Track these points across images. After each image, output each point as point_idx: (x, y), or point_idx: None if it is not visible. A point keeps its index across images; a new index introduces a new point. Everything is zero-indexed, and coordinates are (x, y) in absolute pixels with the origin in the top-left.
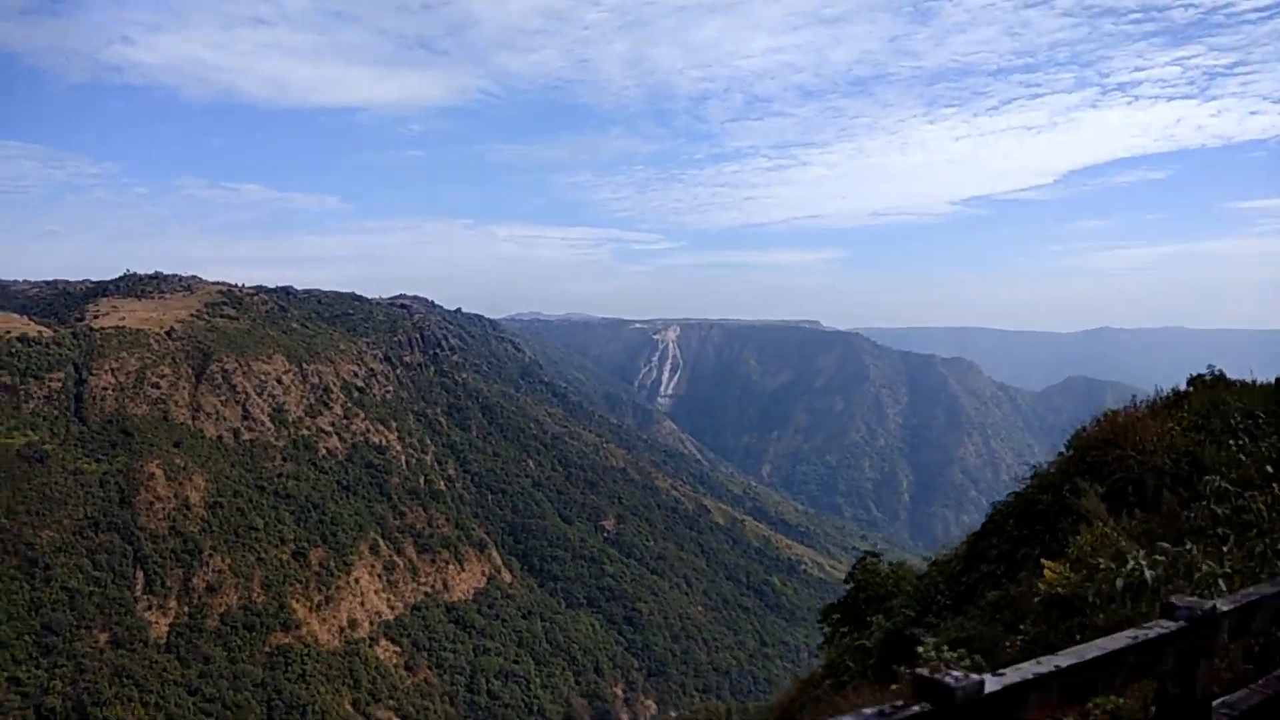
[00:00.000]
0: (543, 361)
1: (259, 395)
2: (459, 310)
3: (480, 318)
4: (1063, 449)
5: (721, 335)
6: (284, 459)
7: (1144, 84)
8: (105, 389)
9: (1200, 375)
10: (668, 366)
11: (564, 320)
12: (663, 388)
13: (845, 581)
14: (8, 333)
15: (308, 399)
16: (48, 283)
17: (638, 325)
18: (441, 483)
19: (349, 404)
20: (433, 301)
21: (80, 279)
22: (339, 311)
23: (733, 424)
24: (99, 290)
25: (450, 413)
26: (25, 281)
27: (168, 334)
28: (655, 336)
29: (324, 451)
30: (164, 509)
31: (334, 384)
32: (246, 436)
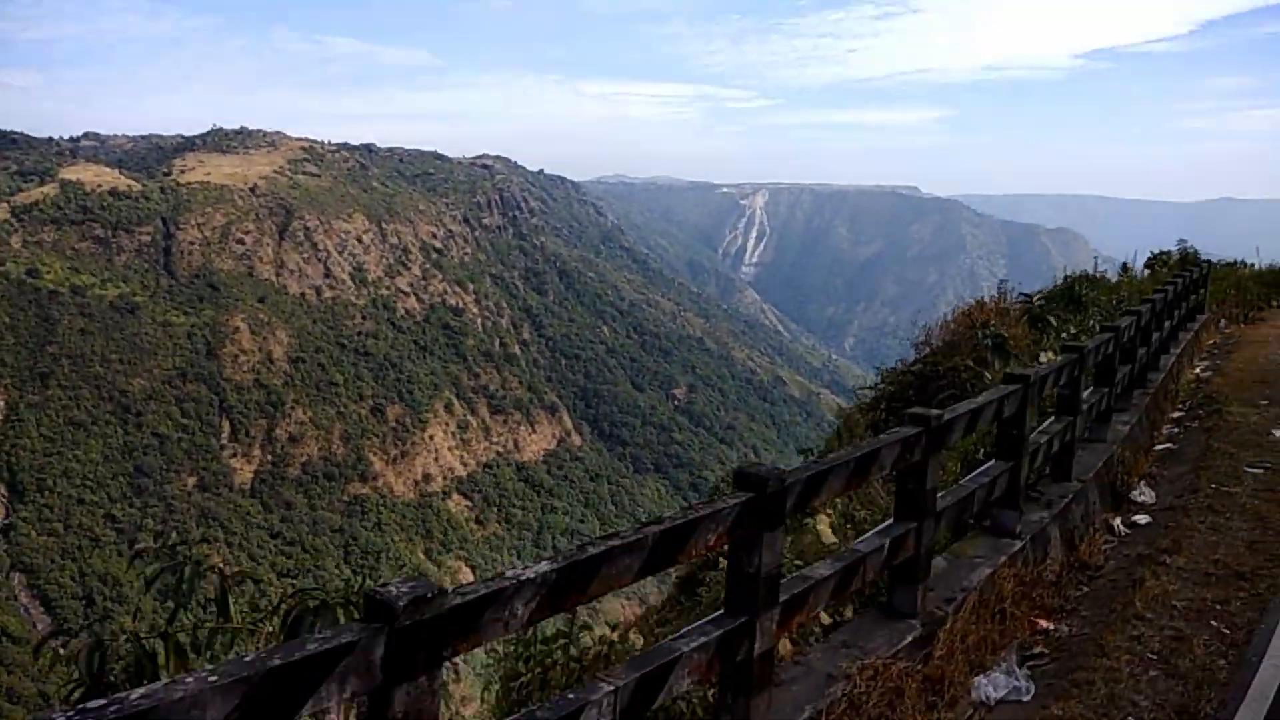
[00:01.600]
0: (625, 226)
1: (340, 254)
2: (542, 172)
3: (563, 179)
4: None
5: (812, 201)
6: (363, 317)
7: None
8: (192, 243)
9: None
10: (754, 233)
11: (650, 184)
12: (748, 255)
13: None
14: (99, 186)
15: (387, 259)
16: (142, 137)
17: (725, 189)
18: (516, 346)
19: (427, 265)
20: (515, 162)
21: (173, 134)
22: (420, 170)
23: (818, 294)
24: (187, 145)
25: (527, 277)
26: (122, 135)
27: (251, 190)
28: (743, 202)
29: (402, 311)
30: (249, 362)
31: (413, 244)
32: (328, 294)
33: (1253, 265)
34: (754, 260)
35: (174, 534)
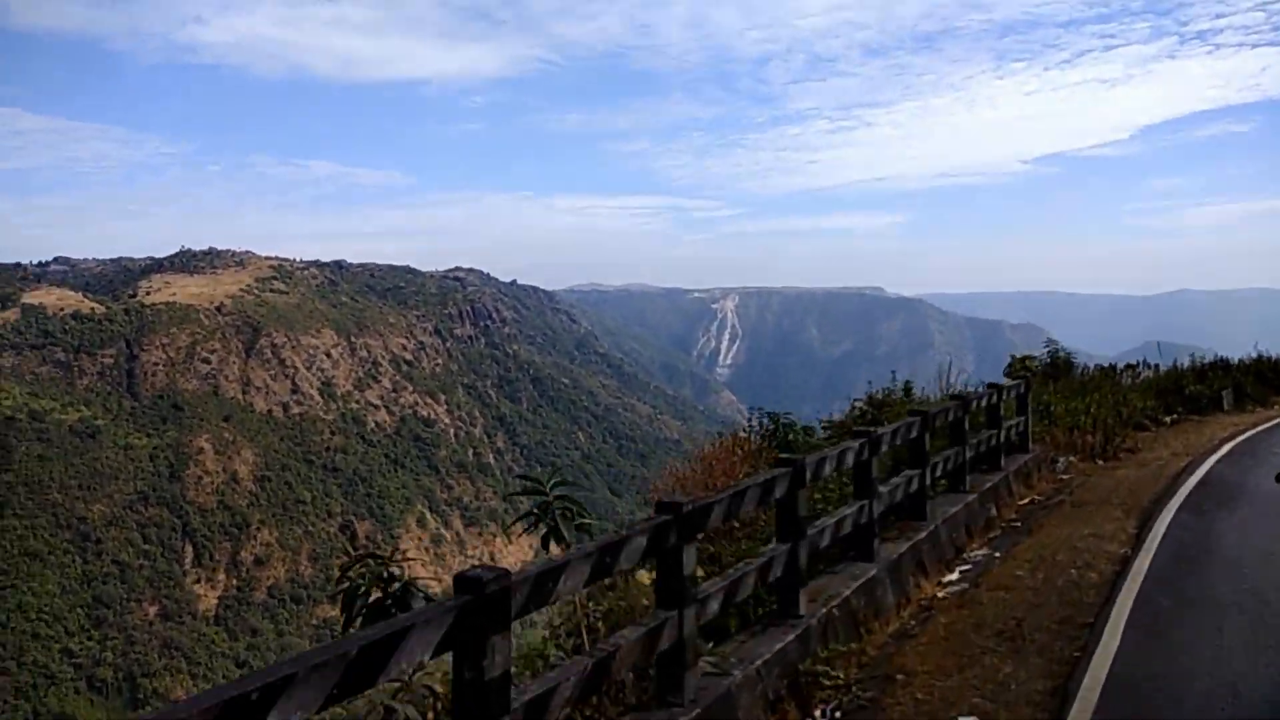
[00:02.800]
0: (599, 332)
1: (308, 369)
2: (514, 282)
3: (536, 289)
4: None
5: (781, 303)
6: (332, 433)
7: (1225, 31)
8: (156, 364)
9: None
10: (726, 335)
11: (622, 291)
12: (721, 357)
13: None
14: (61, 310)
15: (356, 372)
16: (112, 260)
17: (697, 294)
18: (490, 455)
19: (398, 377)
20: (488, 274)
21: (144, 256)
22: (391, 285)
23: (794, 393)
24: (155, 267)
25: (500, 385)
26: (93, 260)
27: (218, 309)
28: (714, 305)
29: (372, 425)
30: (213, 483)
31: (383, 357)
32: (295, 410)
33: (1154, 367)
34: (728, 362)
35: (134, 666)
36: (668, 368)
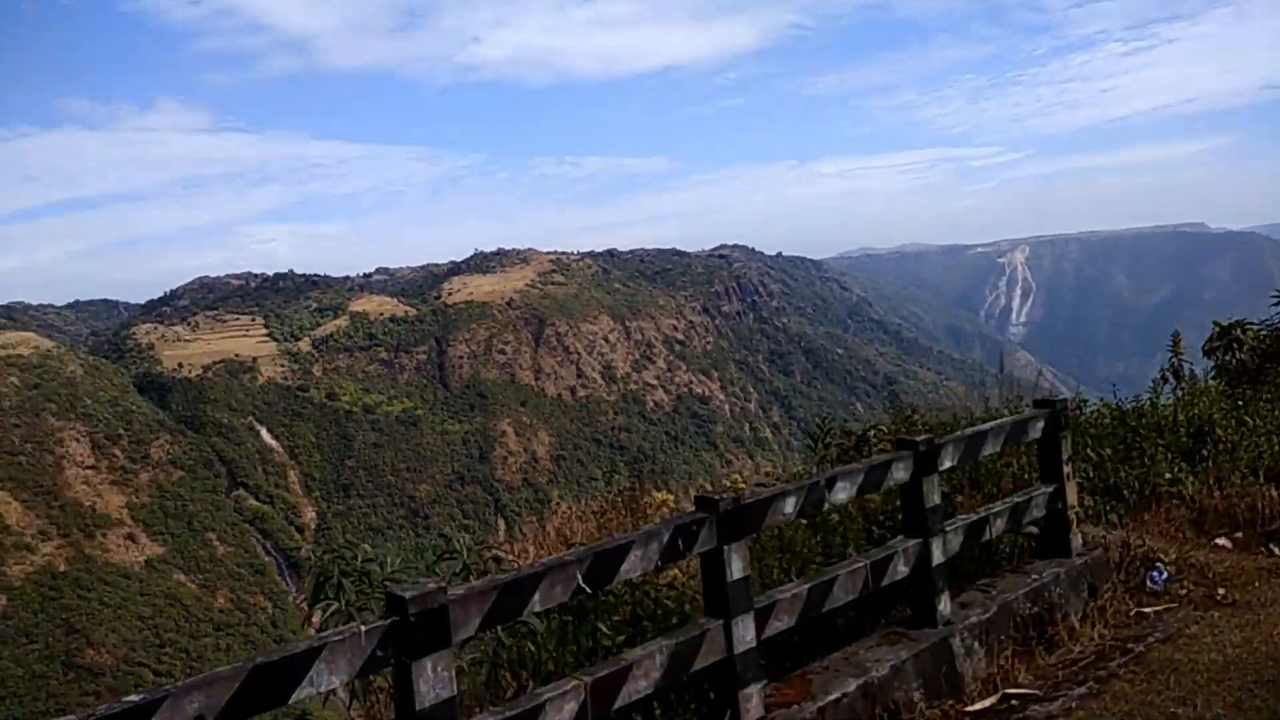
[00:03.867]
0: (873, 299)
1: (589, 354)
2: (779, 255)
3: (803, 260)
4: None
5: (1081, 250)
6: (615, 413)
7: None
8: (461, 357)
9: None
10: (1018, 291)
11: (895, 253)
12: (1014, 315)
13: None
14: (381, 314)
15: (633, 355)
16: (421, 266)
17: (980, 249)
18: (766, 430)
19: (671, 357)
20: (752, 248)
21: (446, 260)
22: (659, 268)
23: (1104, 350)
24: (455, 270)
25: (772, 359)
26: (407, 267)
27: (508, 304)
28: (1000, 260)
29: (651, 404)
30: (516, 463)
31: (656, 339)
32: (582, 393)
33: None
34: (1022, 319)
35: None
36: (953, 330)
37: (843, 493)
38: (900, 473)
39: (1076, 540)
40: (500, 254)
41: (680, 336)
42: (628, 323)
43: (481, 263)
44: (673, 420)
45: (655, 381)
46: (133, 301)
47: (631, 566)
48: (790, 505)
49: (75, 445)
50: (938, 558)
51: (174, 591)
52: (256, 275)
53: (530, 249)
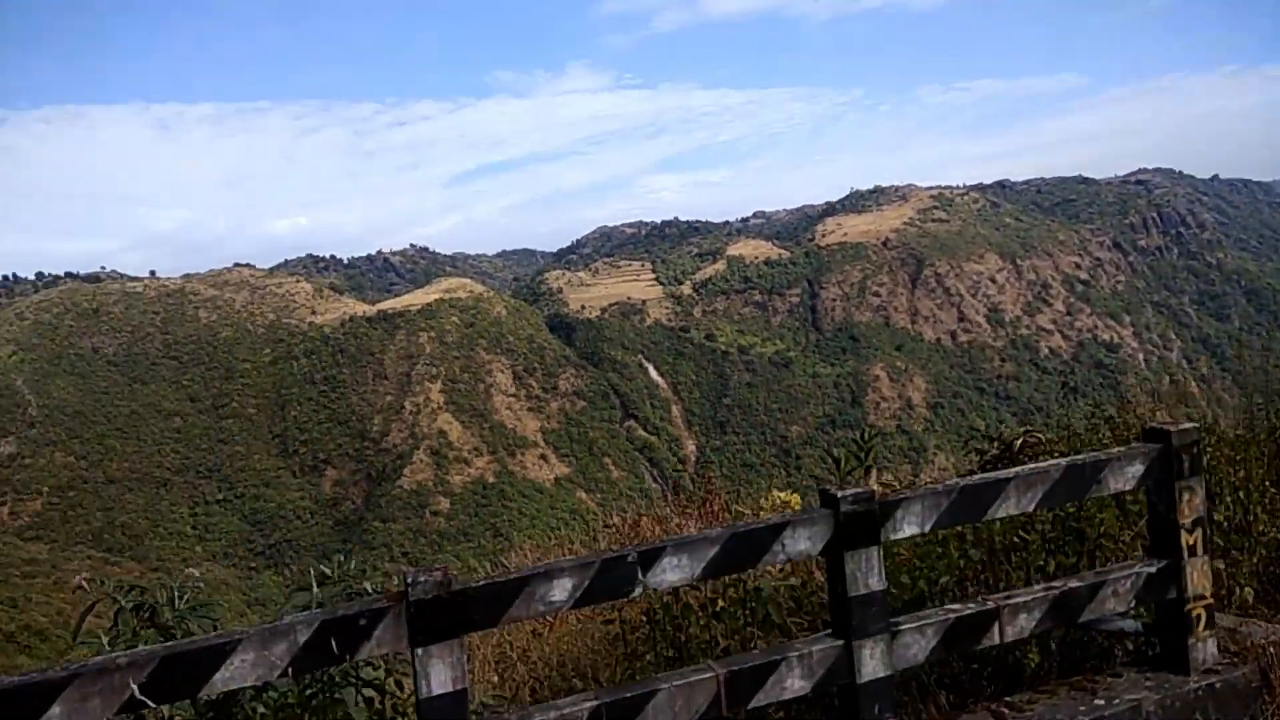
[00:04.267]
0: None
1: (973, 296)
2: (1215, 178)
3: (1246, 183)
4: None
5: None
6: (1002, 360)
7: None
8: (834, 300)
9: None
10: None
11: None
12: None
13: None
14: (756, 258)
15: (1024, 296)
16: (796, 209)
17: None
18: (1193, 384)
19: (1071, 299)
20: (1179, 172)
21: (821, 201)
22: (1060, 199)
23: None
24: (829, 210)
25: (1201, 301)
26: (783, 210)
27: (884, 244)
28: None
29: (1046, 351)
30: (889, 408)
31: (1053, 279)
32: (963, 338)
33: None
34: None
35: None
36: None
37: (674, 573)
38: (801, 543)
39: (1204, 650)
40: (877, 192)
41: (1084, 276)
42: (1019, 261)
43: (857, 202)
44: (1072, 370)
45: (1051, 326)
46: (547, 250)
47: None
48: (560, 592)
49: (501, 376)
50: (870, 672)
51: (577, 507)
52: (647, 224)
53: (909, 185)
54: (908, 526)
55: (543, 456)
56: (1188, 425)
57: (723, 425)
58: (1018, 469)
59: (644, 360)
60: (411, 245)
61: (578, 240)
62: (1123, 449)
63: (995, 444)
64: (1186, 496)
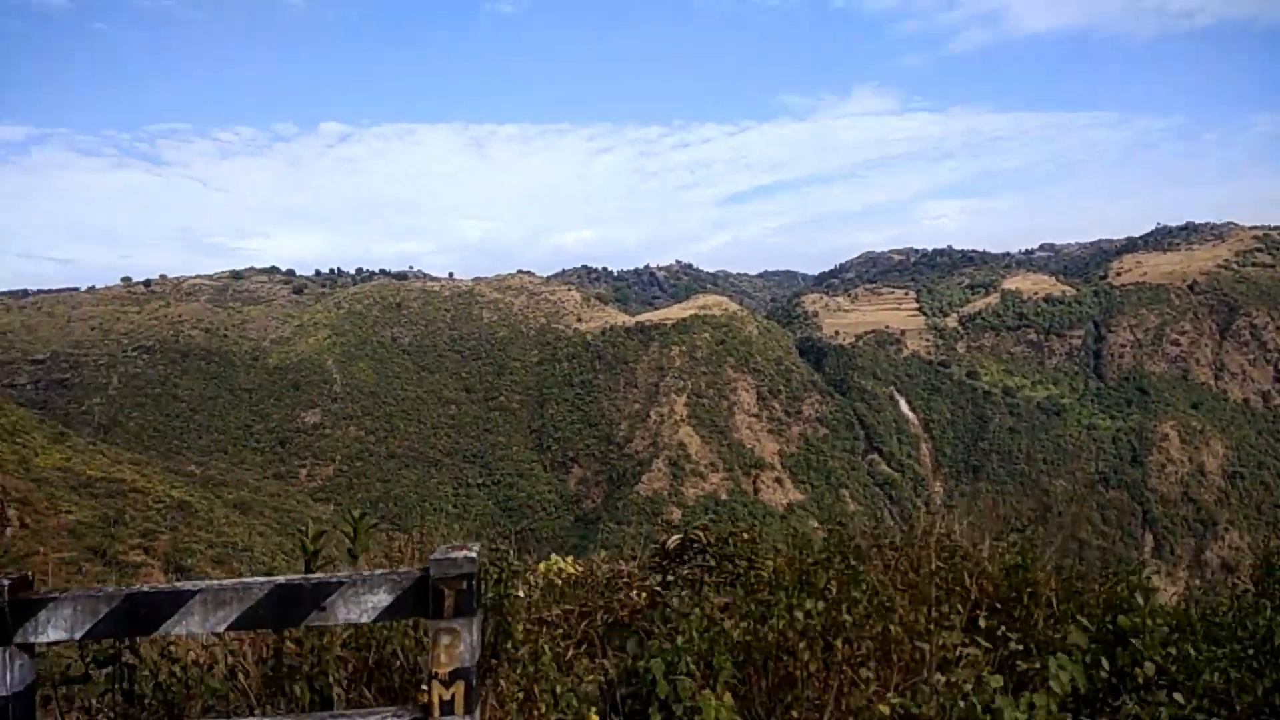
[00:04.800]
0: None
1: None
2: None
3: None
4: None
5: None
6: None
7: None
8: (1122, 345)
9: None
10: None
11: None
12: None
13: None
14: (1035, 294)
15: None
16: (1091, 243)
17: None
18: None
19: None
20: None
21: (1122, 236)
22: None
23: None
24: (1129, 246)
25: None
26: (1075, 244)
27: (1189, 287)
28: None
29: None
30: (1177, 473)
31: None
32: (1278, 400)
33: None
34: None
35: None
36: None
37: None
38: None
39: None
40: (1189, 229)
41: None
42: None
43: (1163, 239)
44: None
45: None
46: (808, 273)
47: None
48: None
49: (745, 394)
50: None
51: (809, 537)
52: (916, 251)
53: (1229, 224)
54: (53, 630)
55: (778, 480)
56: (460, 554)
57: (976, 470)
58: (210, 583)
59: (896, 393)
60: (677, 261)
61: (841, 264)
62: (372, 573)
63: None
64: (446, 641)
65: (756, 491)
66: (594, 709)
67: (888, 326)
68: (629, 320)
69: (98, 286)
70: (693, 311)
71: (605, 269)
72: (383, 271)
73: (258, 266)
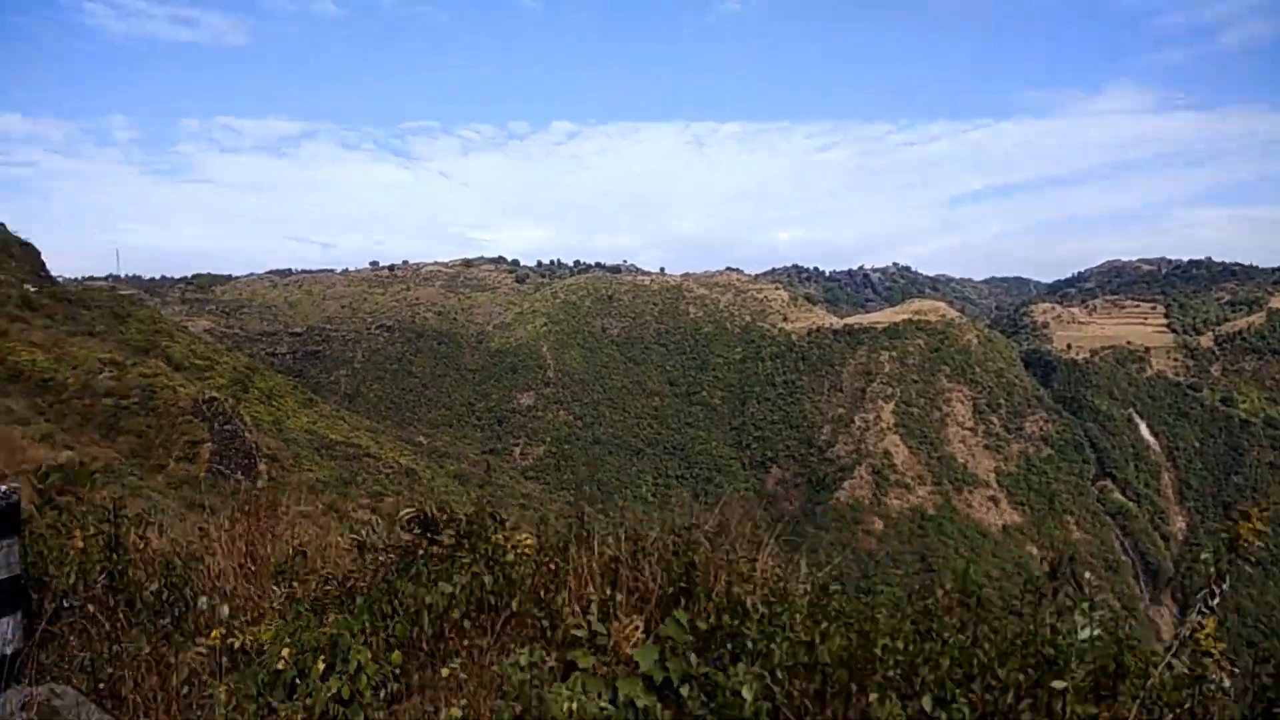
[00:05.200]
0: None
1: None
2: None
3: None
4: None
5: None
6: None
7: None
8: None
9: None
10: None
11: None
12: None
13: None
14: None
15: None
16: None
17: None
18: None
19: None
20: None
21: None
22: None
23: None
24: None
25: None
26: None
27: None
28: None
29: None
30: None
31: None
32: None
33: None
34: None
35: None
36: None
37: None
38: None
39: None
40: None
41: None
42: None
43: None
44: None
45: None
46: (1041, 281)
47: None
48: None
49: (959, 406)
50: None
51: (1024, 561)
52: (1170, 261)
53: None
54: None
55: (993, 499)
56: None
57: (1227, 506)
58: None
59: (1135, 415)
60: (894, 264)
61: (1080, 273)
62: None
63: None
64: None
65: (968, 509)
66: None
67: (1129, 342)
68: (836, 322)
69: (350, 269)
70: (906, 316)
71: (816, 269)
72: (598, 264)
73: (487, 256)
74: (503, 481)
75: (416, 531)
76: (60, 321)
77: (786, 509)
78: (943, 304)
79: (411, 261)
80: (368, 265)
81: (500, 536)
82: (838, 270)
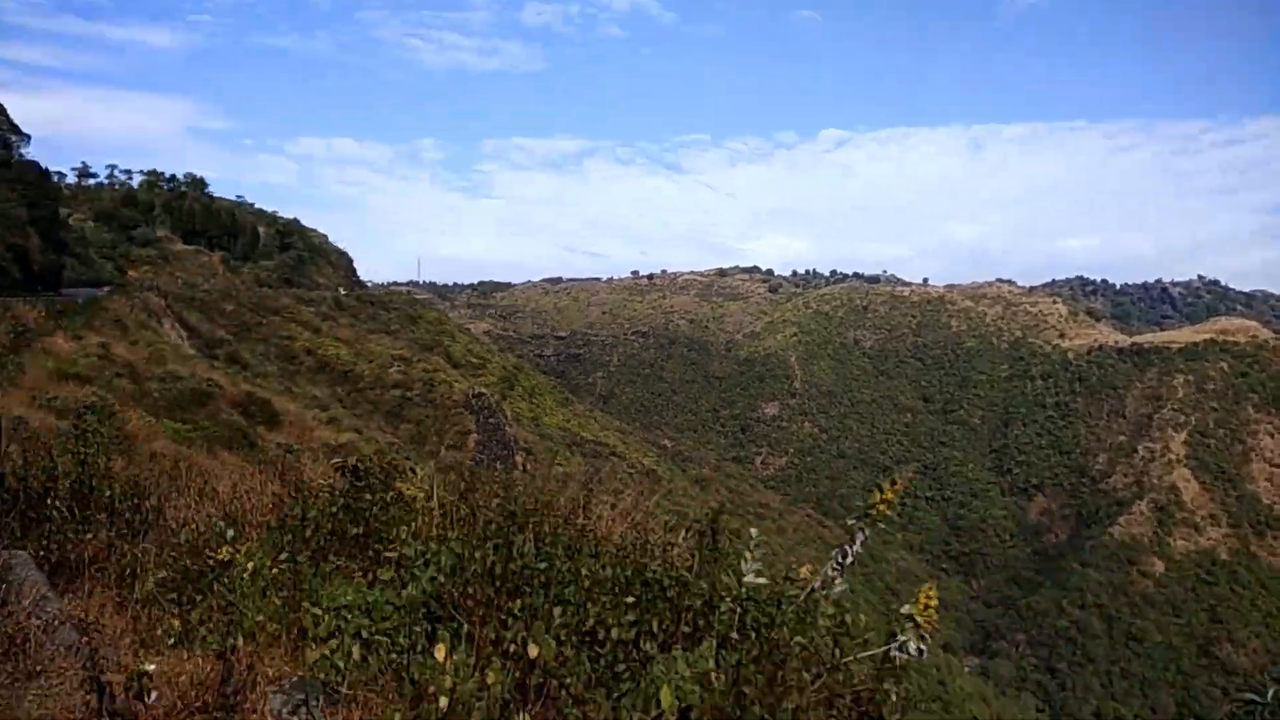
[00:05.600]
0: None
1: None
2: None
3: None
4: None
5: None
6: None
7: None
8: None
9: None
10: None
11: None
12: None
13: None
14: None
15: None
16: None
17: None
18: None
19: None
20: None
21: None
22: None
23: None
24: None
25: None
26: None
27: None
28: None
29: None
30: None
31: None
32: None
33: None
34: None
35: None
36: None
37: None
38: None
39: None
40: None
41: None
42: None
43: None
44: None
45: None
46: None
47: None
48: None
49: (1268, 440)
50: None
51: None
52: None
53: None
54: None
55: None
56: None
57: None
58: None
59: None
60: (1199, 277)
61: None
62: None
63: None
64: None
65: (1272, 556)
66: None
67: None
68: (1124, 340)
69: (614, 278)
70: (1209, 335)
71: (1104, 280)
72: (856, 274)
73: (742, 265)
74: (741, 489)
75: (349, 478)
76: (363, 320)
77: (1050, 540)
78: (1255, 323)
79: (670, 271)
80: (630, 274)
81: (402, 486)
82: (1131, 283)
